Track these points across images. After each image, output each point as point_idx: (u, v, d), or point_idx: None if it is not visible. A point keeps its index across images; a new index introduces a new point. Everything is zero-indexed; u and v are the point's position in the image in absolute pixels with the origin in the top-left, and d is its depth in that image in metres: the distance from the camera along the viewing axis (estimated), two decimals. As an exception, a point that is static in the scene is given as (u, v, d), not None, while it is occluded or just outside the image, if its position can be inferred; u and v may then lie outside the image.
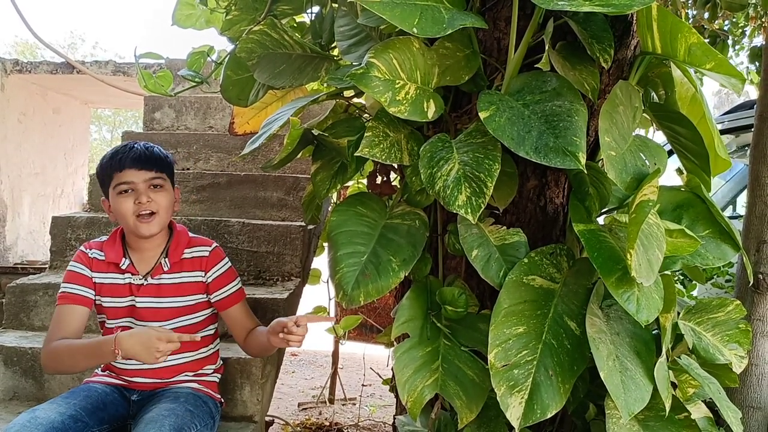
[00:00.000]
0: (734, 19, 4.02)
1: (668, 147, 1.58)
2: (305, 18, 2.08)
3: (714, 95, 7.46)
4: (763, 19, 3.74)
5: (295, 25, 2.14)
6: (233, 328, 1.67)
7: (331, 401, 3.46)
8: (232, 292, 1.66)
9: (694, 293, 2.67)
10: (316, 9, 1.88)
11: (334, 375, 3.46)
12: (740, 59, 4.55)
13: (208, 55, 1.81)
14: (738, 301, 1.52)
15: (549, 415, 1.20)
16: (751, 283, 1.85)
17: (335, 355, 3.44)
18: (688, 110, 1.51)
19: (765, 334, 1.92)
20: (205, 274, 1.62)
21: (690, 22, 2.92)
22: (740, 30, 3.98)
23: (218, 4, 2.04)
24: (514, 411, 1.20)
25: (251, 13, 1.94)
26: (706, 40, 3.35)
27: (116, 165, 1.54)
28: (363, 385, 3.59)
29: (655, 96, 1.60)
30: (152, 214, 1.54)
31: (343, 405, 3.43)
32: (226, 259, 1.69)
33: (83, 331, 1.59)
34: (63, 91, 4.93)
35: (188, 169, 2.80)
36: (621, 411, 1.17)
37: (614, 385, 1.18)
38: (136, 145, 1.57)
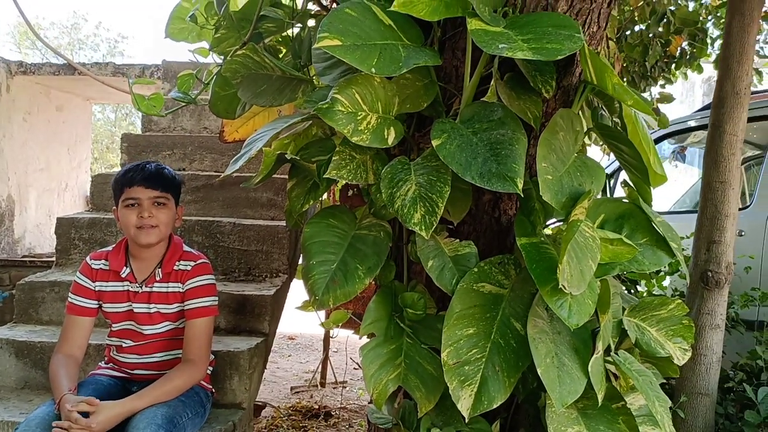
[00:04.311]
0: (718, 14, 4.12)
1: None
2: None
3: (704, 83, 7.55)
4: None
5: (280, 39, 2.28)
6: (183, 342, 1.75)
7: (323, 385, 3.66)
8: (198, 307, 1.74)
9: (665, 283, 2.83)
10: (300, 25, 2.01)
11: (325, 360, 3.65)
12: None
13: (197, 77, 1.95)
14: (679, 300, 1.68)
15: (495, 406, 1.37)
16: (688, 281, 2.01)
17: (326, 340, 3.63)
18: (633, 128, 1.65)
19: (713, 326, 2.09)
20: (183, 285, 1.77)
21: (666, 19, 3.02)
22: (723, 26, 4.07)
23: (207, 22, 2.17)
24: (464, 402, 1.37)
25: (237, 32, 2.08)
26: (685, 40, 3.47)
27: (127, 181, 1.73)
28: (354, 368, 3.79)
29: (607, 113, 1.75)
30: (152, 227, 1.72)
31: (333, 388, 3.63)
32: (208, 276, 1.80)
33: (90, 335, 1.80)
34: (66, 90, 5.09)
35: (184, 169, 2.96)
36: (555, 402, 1.33)
37: (550, 379, 1.35)
38: (148, 165, 1.75)
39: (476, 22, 1.29)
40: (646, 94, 3.65)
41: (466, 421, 1.38)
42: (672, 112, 3.61)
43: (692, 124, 3.58)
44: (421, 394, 1.50)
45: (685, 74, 3.99)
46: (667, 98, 3.51)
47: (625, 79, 3.52)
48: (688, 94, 8.23)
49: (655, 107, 3.42)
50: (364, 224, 1.58)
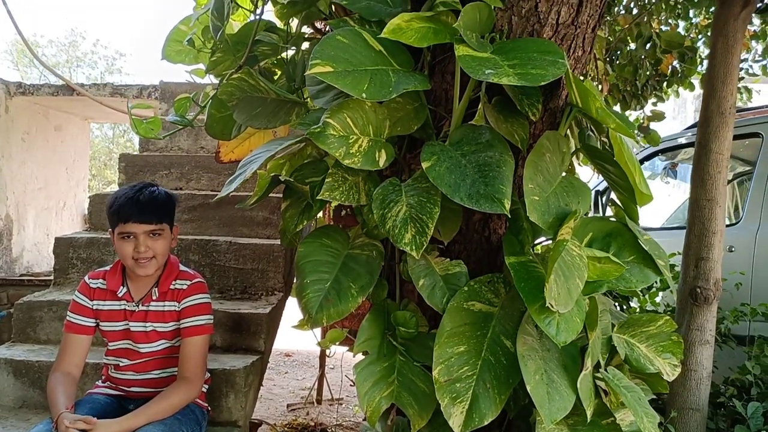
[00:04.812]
0: (708, 33, 4.19)
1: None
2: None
3: (695, 99, 7.66)
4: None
5: (274, 62, 2.32)
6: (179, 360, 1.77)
7: (319, 402, 3.67)
8: (194, 325, 1.77)
9: (658, 299, 2.86)
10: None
11: (321, 377, 3.67)
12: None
13: (194, 100, 1.99)
14: (668, 316, 1.71)
15: (486, 422, 1.39)
16: (676, 298, 2.04)
17: (322, 357, 3.65)
18: (619, 149, 1.69)
19: (703, 342, 2.11)
20: (179, 304, 1.80)
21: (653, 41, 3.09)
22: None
23: (204, 45, 2.22)
24: (456, 419, 1.39)
25: (233, 55, 2.12)
26: (675, 59, 3.53)
27: (122, 217, 1.71)
28: (350, 385, 3.79)
29: (595, 133, 1.79)
30: (149, 259, 1.74)
31: (330, 405, 3.64)
32: (204, 295, 1.83)
33: (87, 354, 1.82)
34: (64, 109, 5.16)
35: (181, 189, 3.00)
36: (544, 418, 1.36)
37: (540, 396, 1.37)
38: (141, 196, 1.72)
39: (464, 48, 1.33)
40: (638, 112, 3.71)
41: (458, 437, 1.40)
42: (664, 128, 3.66)
43: (682, 141, 3.64)
44: (414, 411, 1.52)
45: (677, 92, 4.06)
46: (659, 116, 3.56)
47: (615, 99, 3.57)
48: (680, 110, 8.33)
49: (646, 125, 3.47)
50: (356, 244, 1.61)
